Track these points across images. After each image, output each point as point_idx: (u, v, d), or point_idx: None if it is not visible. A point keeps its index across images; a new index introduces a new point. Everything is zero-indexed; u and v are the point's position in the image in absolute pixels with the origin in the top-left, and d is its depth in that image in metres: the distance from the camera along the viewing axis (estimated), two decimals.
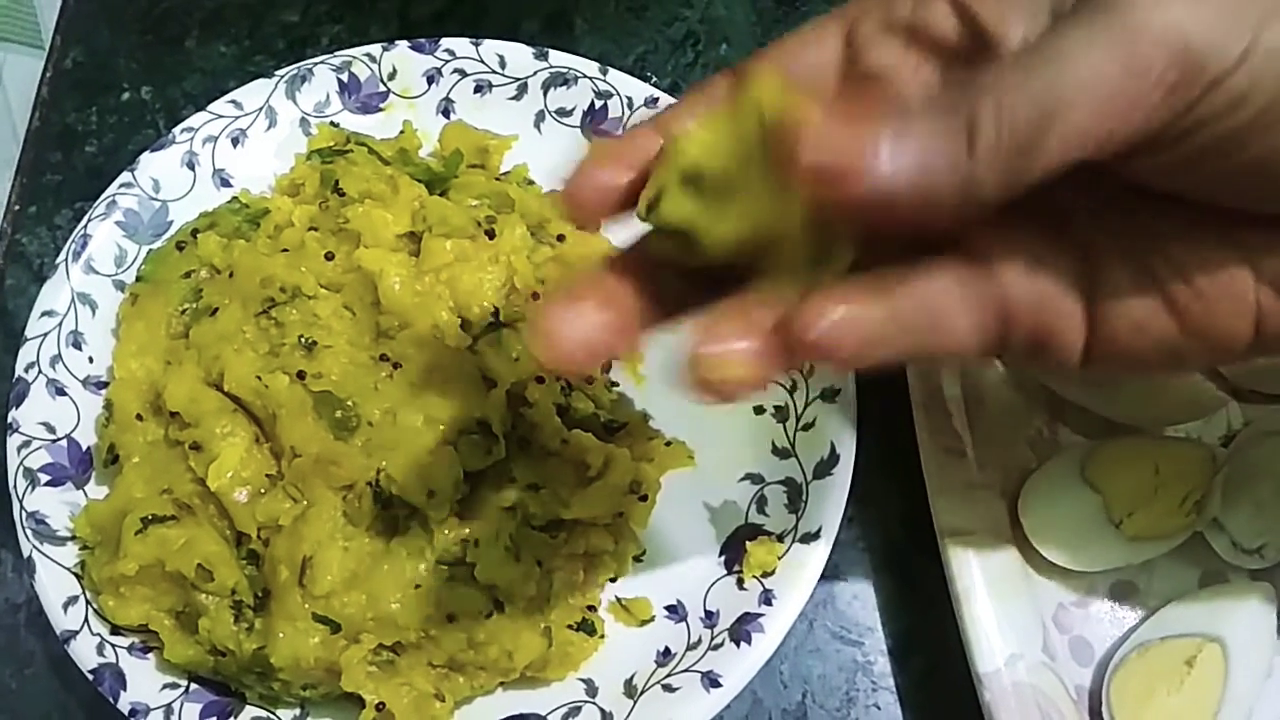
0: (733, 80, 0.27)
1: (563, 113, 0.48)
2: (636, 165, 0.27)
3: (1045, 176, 0.22)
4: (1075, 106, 0.21)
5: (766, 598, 0.39)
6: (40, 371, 0.42)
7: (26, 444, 0.41)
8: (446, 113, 0.48)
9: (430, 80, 0.48)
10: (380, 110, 0.48)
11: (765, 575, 0.40)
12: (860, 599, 0.43)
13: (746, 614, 0.39)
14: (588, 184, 0.28)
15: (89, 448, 0.42)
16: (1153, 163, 0.23)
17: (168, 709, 0.37)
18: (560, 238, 0.43)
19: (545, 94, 0.48)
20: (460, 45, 0.48)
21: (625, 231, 0.28)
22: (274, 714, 0.38)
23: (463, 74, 0.48)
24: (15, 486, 0.40)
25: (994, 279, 0.26)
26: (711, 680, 0.38)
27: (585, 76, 0.47)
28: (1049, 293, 0.26)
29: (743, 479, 0.43)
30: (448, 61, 0.48)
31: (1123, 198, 0.26)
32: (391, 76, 0.48)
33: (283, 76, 0.47)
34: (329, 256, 0.41)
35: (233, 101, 0.47)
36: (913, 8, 0.27)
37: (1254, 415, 0.43)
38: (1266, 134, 0.22)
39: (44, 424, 0.41)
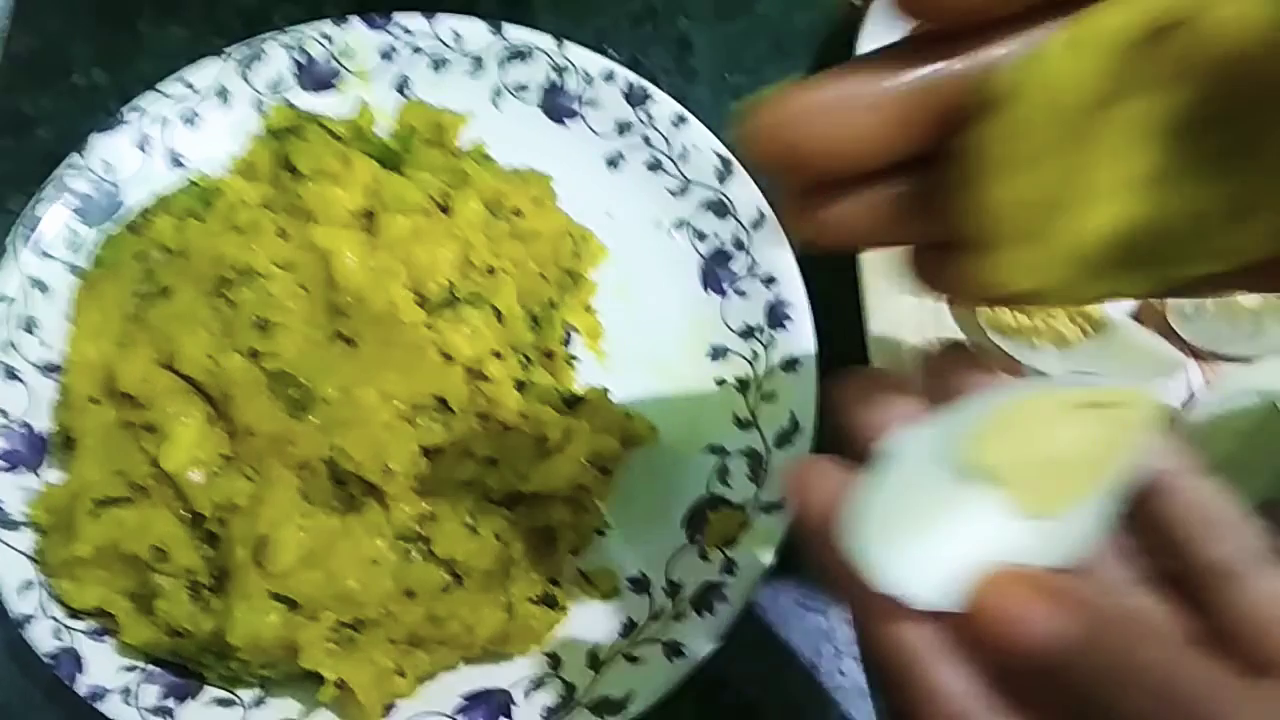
0: None
1: (520, 88, 0.47)
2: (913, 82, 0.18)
3: None
4: None
5: (729, 567, 0.39)
6: None
7: None
8: (402, 90, 0.48)
9: (385, 57, 0.48)
10: (335, 88, 0.48)
11: (727, 545, 0.40)
12: None
13: (709, 584, 0.39)
14: (820, 112, 0.18)
15: (44, 432, 0.41)
16: None
17: (126, 691, 0.37)
18: (517, 212, 0.43)
19: (502, 69, 0.47)
20: (414, 21, 0.47)
21: None
22: (234, 694, 0.38)
23: (418, 50, 0.48)
24: None
25: None
26: (674, 649, 0.38)
27: (542, 51, 0.47)
28: None
29: (704, 450, 0.43)
30: (402, 37, 0.47)
31: None
32: (346, 54, 0.47)
33: (234, 55, 0.46)
34: (282, 235, 0.41)
35: (184, 81, 0.46)
36: None
37: (1213, 376, 0.43)
38: None
39: None
